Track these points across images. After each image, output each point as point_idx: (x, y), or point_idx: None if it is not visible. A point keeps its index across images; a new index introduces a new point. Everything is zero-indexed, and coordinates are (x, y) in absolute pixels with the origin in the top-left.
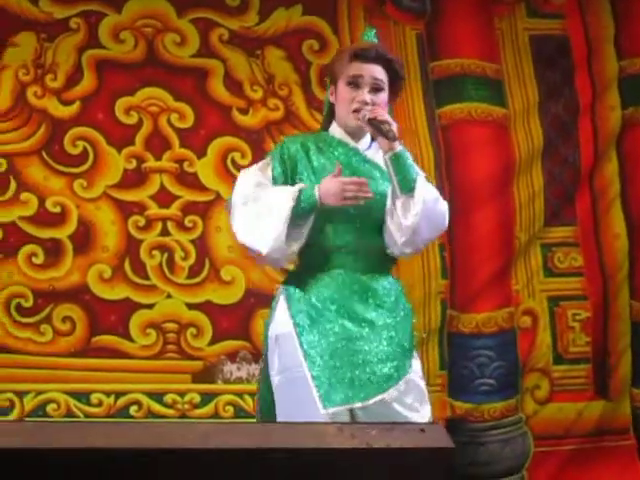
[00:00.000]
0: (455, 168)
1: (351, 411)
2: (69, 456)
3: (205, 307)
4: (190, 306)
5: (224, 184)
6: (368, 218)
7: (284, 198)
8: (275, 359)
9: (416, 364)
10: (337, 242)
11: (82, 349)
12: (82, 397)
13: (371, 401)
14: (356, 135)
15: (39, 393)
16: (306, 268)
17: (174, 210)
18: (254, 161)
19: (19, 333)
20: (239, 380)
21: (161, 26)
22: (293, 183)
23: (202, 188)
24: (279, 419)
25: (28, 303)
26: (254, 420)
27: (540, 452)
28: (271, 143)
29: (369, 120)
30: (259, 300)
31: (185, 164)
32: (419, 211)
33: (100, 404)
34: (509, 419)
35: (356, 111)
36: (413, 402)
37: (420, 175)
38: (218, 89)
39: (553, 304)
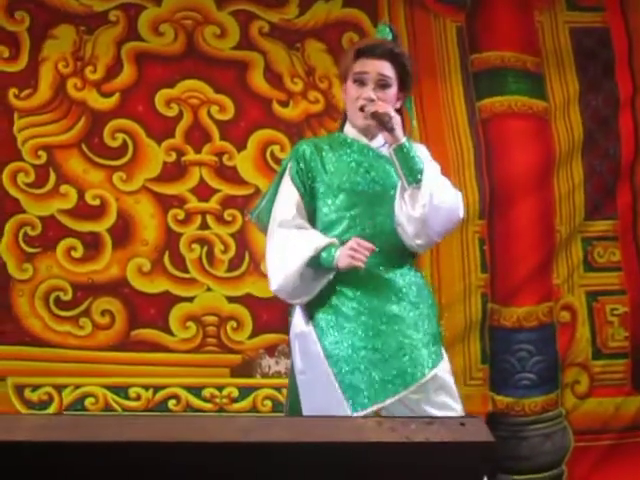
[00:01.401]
0: (495, 161)
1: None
2: (108, 450)
3: (245, 300)
4: (230, 299)
5: (263, 178)
6: (384, 214)
7: (306, 247)
8: (297, 358)
9: (444, 361)
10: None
11: (121, 343)
12: (120, 391)
13: (394, 398)
14: (369, 133)
15: (77, 387)
16: None
17: (213, 204)
18: None
19: (58, 327)
20: (277, 374)
21: (201, 18)
22: (311, 185)
23: (241, 182)
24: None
25: (67, 296)
26: None
27: (579, 447)
28: (311, 136)
29: (372, 114)
30: None
31: (225, 157)
32: (427, 202)
33: (138, 398)
34: (550, 414)
35: (362, 109)
36: (446, 401)
37: (428, 166)
38: (258, 81)
39: (591, 299)
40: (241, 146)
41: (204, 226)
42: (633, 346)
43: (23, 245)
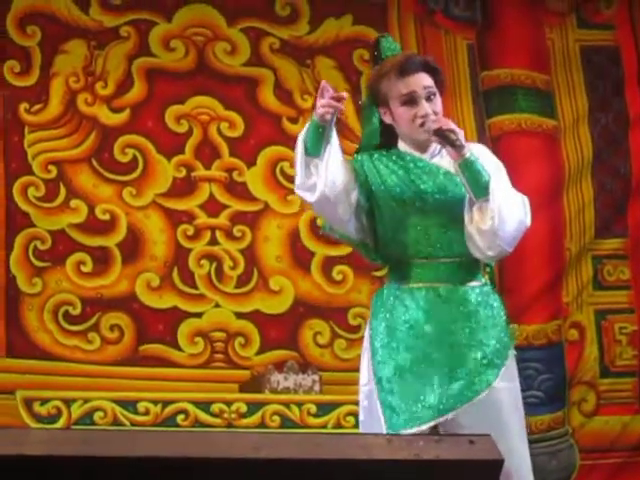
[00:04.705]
0: None
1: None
2: (118, 465)
3: (253, 316)
4: (238, 315)
5: (273, 194)
6: (438, 226)
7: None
8: (361, 371)
9: (498, 379)
10: (413, 252)
11: (130, 357)
12: (129, 405)
13: (429, 424)
14: (422, 147)
15: (86, 401)
16: (389, 280)
17: (223, 219)
18: None
19: (67, 341)
20: (286, 390)
21: (211, 35)
22: (367, 191)
23: (251, 198)
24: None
25: (76, 311)
26: (300, 430)
27: (585, 465)
28: None
29: (435, 131)
30: (307, 310)
31: (234, 173)
32: (496, 214)
33: (147, 413)
34: (556, 432)
35: (421, 125)
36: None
37: (493, 177)
38: (268, 98)
39: (600, 317)
40: (251, 162)
41: (213, 242)
42: None
43: (33, 259)
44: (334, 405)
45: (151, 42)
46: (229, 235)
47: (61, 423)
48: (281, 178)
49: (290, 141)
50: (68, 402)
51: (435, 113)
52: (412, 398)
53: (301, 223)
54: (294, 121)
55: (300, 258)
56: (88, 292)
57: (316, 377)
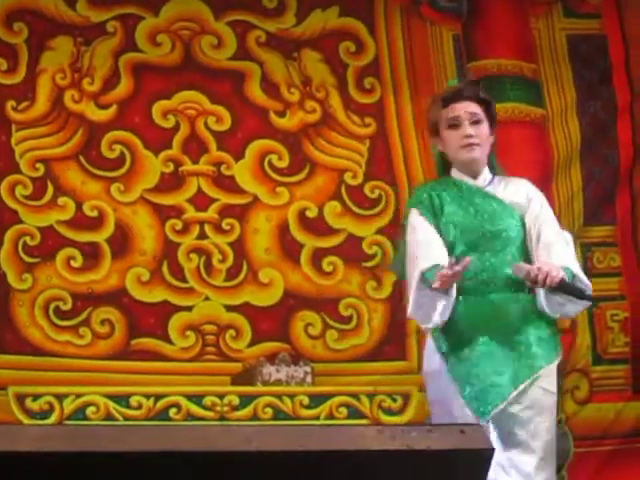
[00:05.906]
0: None
1: None
2: (111, 460)
3: (243, 309)
4: (228, 308)
5: (261, 186)
6: (495, 252)
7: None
8: (429, 392)
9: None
10: (470, 273)
11: (121, 352)
12: (121, 400)
13: (510, 397)
14: (473, 172)
15: (78, 396)
16: None
17: (211, 213)
18: (291, 163)
19: (58, 336)
20: (278, 382)
21: (198, 29)
22: (437, 223)
23: (239, 191)
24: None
25: (67, 306)
26: (293, 422)
27: (580, 452)
28: (309, 145)
29: (559, 287)
30: (298, 302)
31: (222, 167)
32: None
33: (140, 407)
34: None
35: (464, 146)
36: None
37: (575, 266)
38: (255, 92)
39: (592, 305)
40: (238, 156)
41: (202, 236)
42: (633, 352)
43: (23, 255)
44: (326, 396)
45: (137, 37)
46: (218, 229)
47: (53, 419)
48: (269, 171)
49: (277, 134)
50: (60, 397)
51: (478, 137)
52: (493, 373)
53: (290, 215)
54: (281, 114)
55: (289, 250)
56: (78, 287)
57: (308, 369)
